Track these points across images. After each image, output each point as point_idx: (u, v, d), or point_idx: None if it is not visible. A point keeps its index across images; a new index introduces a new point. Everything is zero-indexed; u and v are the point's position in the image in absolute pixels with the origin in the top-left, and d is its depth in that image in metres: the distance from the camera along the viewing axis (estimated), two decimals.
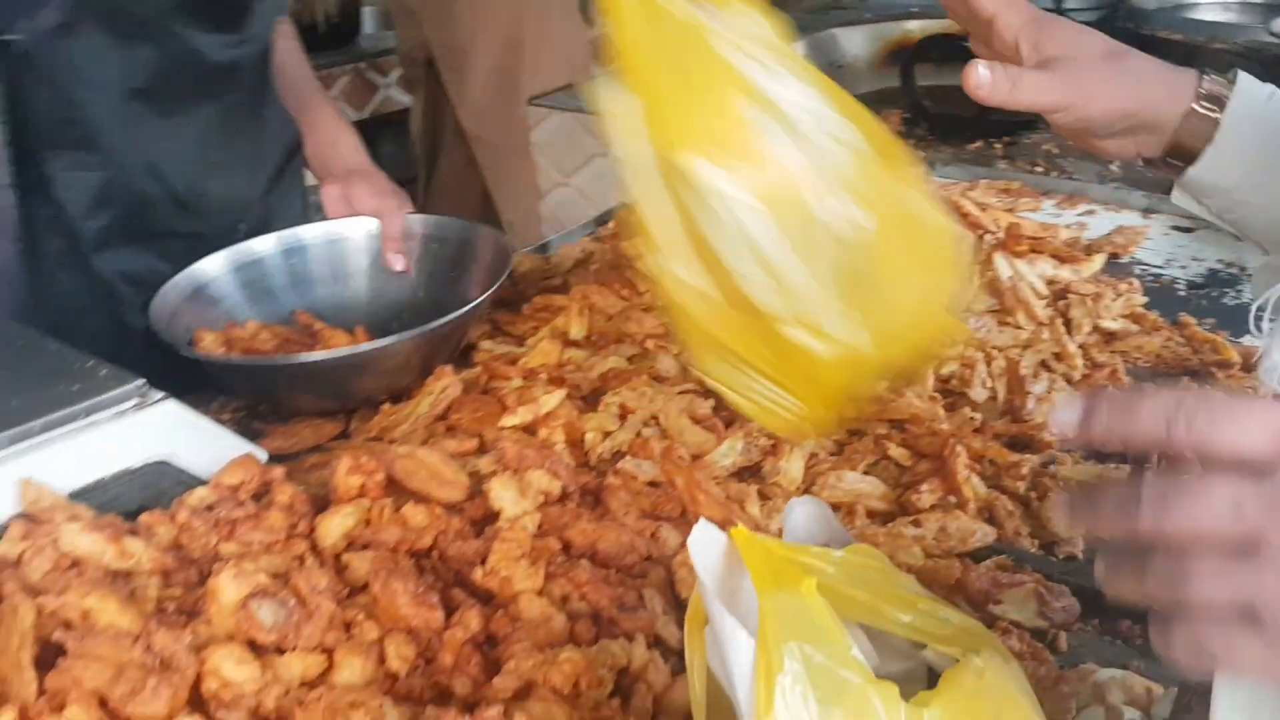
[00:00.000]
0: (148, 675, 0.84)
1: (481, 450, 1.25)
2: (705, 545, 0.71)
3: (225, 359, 1.36)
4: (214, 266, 1.50)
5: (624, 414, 1.32)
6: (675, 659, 0.94)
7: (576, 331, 1.51)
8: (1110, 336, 1.51)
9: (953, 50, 2.39)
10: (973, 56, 2.21)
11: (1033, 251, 1.61)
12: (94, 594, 0.89)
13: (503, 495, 1.06)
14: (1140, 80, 1.03)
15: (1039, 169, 2.12)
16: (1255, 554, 0.55)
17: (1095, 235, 1.84)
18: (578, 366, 1.44)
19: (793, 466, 1.20)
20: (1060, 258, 1.63)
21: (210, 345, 1.39)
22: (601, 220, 2.00)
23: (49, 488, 0.96)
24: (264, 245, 1.57)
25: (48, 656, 0.87)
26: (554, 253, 1.83)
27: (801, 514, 0.84)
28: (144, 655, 0.86)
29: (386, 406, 1.36)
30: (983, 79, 1.00)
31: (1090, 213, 1.95)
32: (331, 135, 1.81)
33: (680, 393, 1.35)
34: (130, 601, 0.91)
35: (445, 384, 1.39)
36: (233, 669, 0.87)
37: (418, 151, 3.14)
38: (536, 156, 2.67)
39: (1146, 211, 1.95)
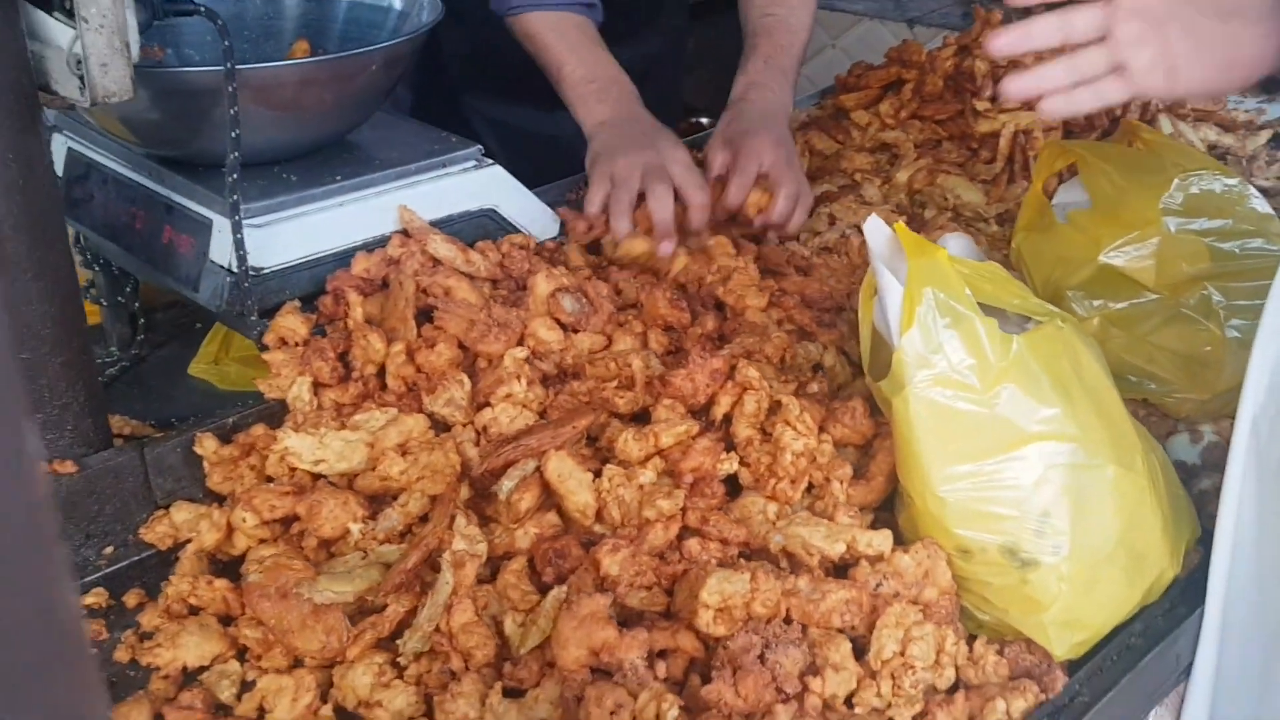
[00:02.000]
0: (490, 328, 1.24)
1: None
2: (876, 231, 1.05)
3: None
4: None
5: (832, 220, 1.66)
6: (854, 368, 1.28)
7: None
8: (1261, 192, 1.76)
9: None
10: None
11: (1197, 119, 1.86)
12: (453, 277, 1.29)
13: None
14: None
15: None
16: None
17: (1269, 119, 2.06)
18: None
19: None
20: (1225, 126, 1.88)
21: None
22: (823, 94, 2.32)
23: (417, 214, 1.37)
24: None
25: (419, 321, 1.28)
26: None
27: (954, 243, 1.17)
28: (487, 318, 1.25)
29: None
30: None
31: (1270, 99, 2.16)
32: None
33: (882, 210, 1.68)
34: (475, 288, 1.30)
35: None
36: (545, 333, 1.26)
37: None
38: None
39: None
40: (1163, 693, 1.09)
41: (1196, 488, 1.19)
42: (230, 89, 1.21)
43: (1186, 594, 1.09)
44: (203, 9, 1.20)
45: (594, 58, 1.66)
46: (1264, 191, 1.76)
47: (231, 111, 1.21)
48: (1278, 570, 1.07)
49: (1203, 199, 1.30)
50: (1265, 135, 1.91)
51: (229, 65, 1.20)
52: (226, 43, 1.20)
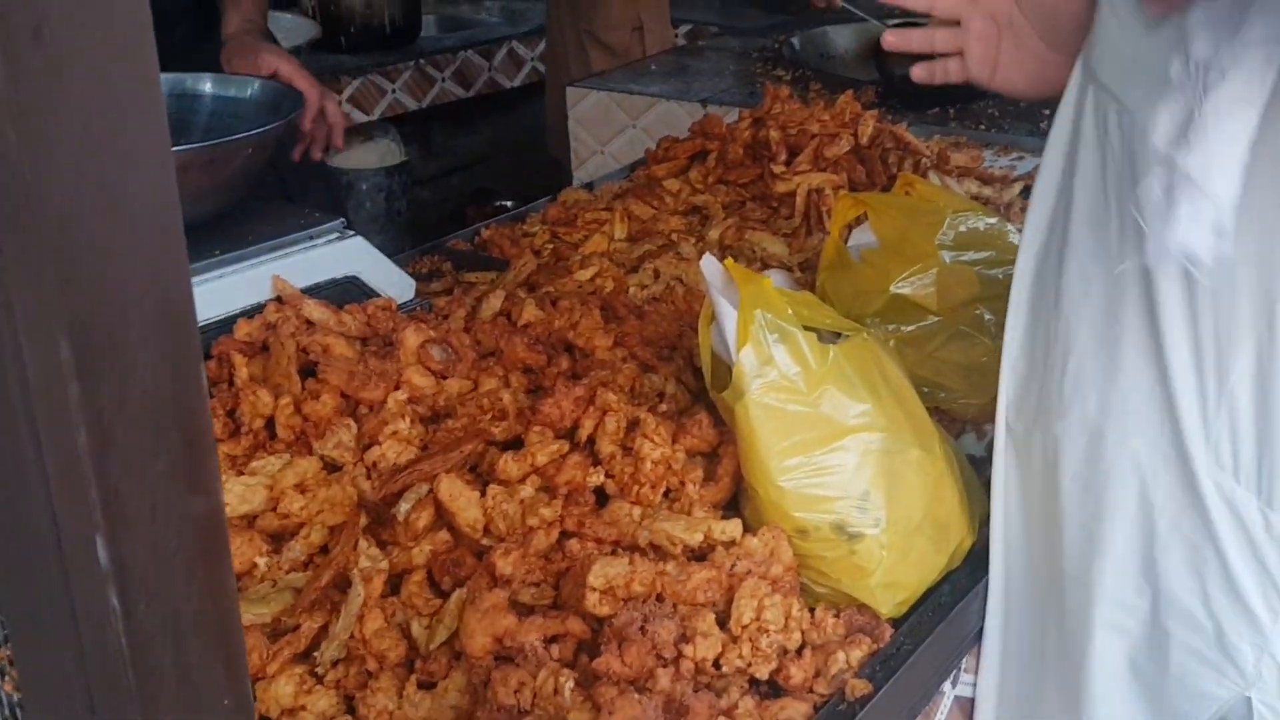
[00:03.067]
0: (369, 377, 1.38)
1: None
2: (711, 267, 1.24)
3: None
4: None
5: (657, 274, 1.85)
6: (691, 395, 1.47)
7: (619, 232, 2.05)
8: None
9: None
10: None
11: (961, 175, 2.14)
12: (330, 336, 1.43)
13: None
14: None
15: (981, 127, 2.65)
16: None
17: (1021, 173, 2.37)
18: (621, 252, 1.98)
19: None
20: (985, 180, 2.16)
21: None
22: (633, 167, 2.53)
23: (289, 283, 1.50)
24: None
25: (301, 376, 1.41)
26: (598, 189, 2.37)
27: (776, 277, 1.37)
28: (365, 369, 1.39)
29: (492, 278, 1.91)
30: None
31: (1020, 158, 2.48)
32: None
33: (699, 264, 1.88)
34: (350, 345, 1.44)
35: (525, 260, 1.93)
36: (419, 379, 1.40)
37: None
38: (575, 130, 3.21)
39: None
40: (970, 642, 1.30)
41: (985, 475, 1.41)
42: None
43: (982, 560, 1.30)
44: None
45: None
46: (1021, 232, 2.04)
47: None
48: (1038, 541, 1.27)
49: (970, 235, 1.54)
50: (1018, 187, 2.20)
51: None
52: None
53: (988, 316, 1.51)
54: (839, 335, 1.28)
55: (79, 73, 0.45)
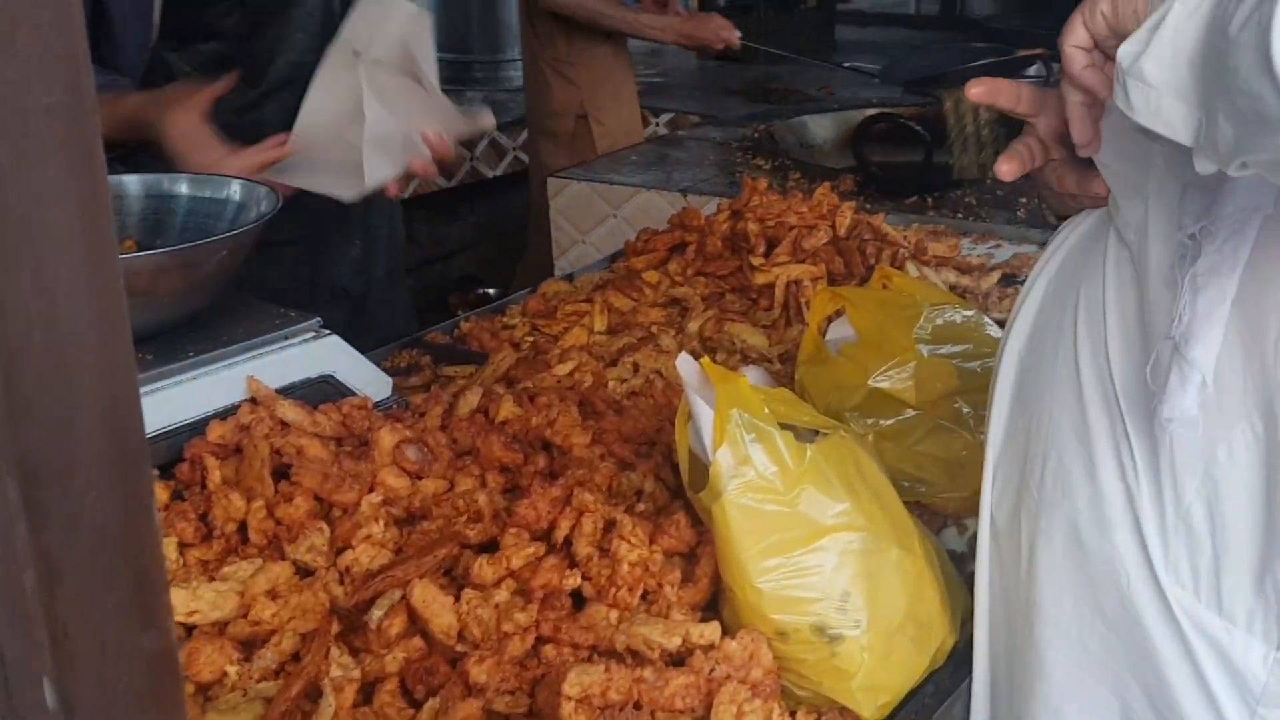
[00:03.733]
0: (343, 479, 1.36)
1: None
2: (687, 366, 1.24)
3: None
4: None
5: (636, 368, 1.85)
6: (670, 492, 1.46)
7: (599, 324, 2.05)
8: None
9: (893, 128, 2.97)
10: (907, 131, 2.78)
11: (939, 264, 2.15)
12: (304, 437, 1.42)
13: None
14: None
15: (959, 215, 2.68)
16: None
17: (998, 261, 2.39)
18: (601, 345, 1.97)
19: None
20: (962, 269, 2.17)
21: None
22: (613, 258, 2.54)
23: (264, 384, 1.49)
24: None
25: (275, 479, 1.39)
26: (578, 280, 2.37)
27: (752, 374, 1.36)
28: (339, 470, 1.38)
29: (471, 371, 1.90)
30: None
31: (997, 246, 2.50)
32: None
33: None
34: (324, 446, 1.43)
35: (504, 355, 1.92)
36: (394, 480, 1.39)
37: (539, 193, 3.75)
38: (557, 219, 3.23)
39: (1043, 244, 2.49)
40: None
41: (966, 570, 1.40)
42: None
43: (965, 659, 1.28)
44: None
45: None
46: (998, 323, 2.05)
47: None
48: (1021, 639, 1.26)
49: (947, 328, 1.55)
50: (996, 275, 2.21)
51: None
52: None
53: (966, 410, 1.50)
54: (817, 433, 1.27)
55: (25, 209, 0.44)
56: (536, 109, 3.82)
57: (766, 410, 1.19)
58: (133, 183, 1.72)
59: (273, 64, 2.15)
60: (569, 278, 2.44)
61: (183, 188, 1.70)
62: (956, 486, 1.48)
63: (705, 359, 1.23)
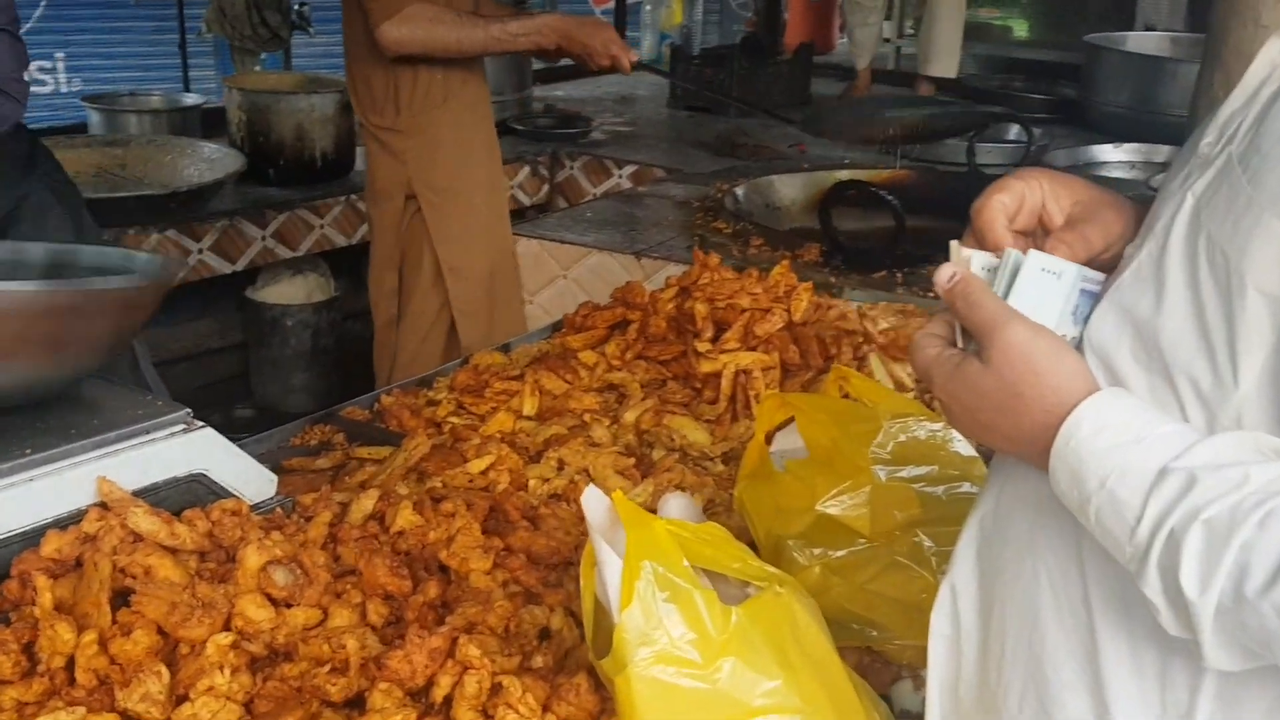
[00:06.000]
0: (193, 610, 1.16)
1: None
2: (594, 502, 1.04)
3: None
4: None
5: (561, 465, 1.65)
6: (582, 632, 1.26)
7: (528, 408, 1.85)
8: None
9: (862, 194, 2.80)
10: (877, 199, 2.59)
11: (905, 356, 1.96)
12: (154, 555, 1.21)
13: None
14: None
15: (931, 295, 2.49)
16: None
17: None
18: (527, 434, 1.77)
19: None
20: None
21: None
22: (556, 327, 2.34)
23: (118, 485, 1.28)
24: None
25: (116, 603, 1.19)
26: (514, 351, 2.17)
27: (674, 505, 1.17)
28: (190, 599, 1.17)
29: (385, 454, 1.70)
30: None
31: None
32: None
33: (609, 452, 1.68)
34: (179, 564, 1.22)
35: (418, 442, 1.72)
36: (254, 611, 1.18)
37: (382, 279, 3.15)
38: None
39: None
40: None
41: None
42: None
43: None
44: None
45: None
46: None
47: None
48: None
49: (909, 446, 1.35)
50: None
51: None
52: None
53: (928, 544, 1.31)
54: (749, 585, 1.07)
55: None
56: (366, 187, 3.16)
57: (685, 562, 1.00)
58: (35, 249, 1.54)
59: None
60: (505, 348, 2.24)
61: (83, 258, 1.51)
62: (914, 633, 1.28)
63: (617, 493, 1.04)
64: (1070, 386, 0.87)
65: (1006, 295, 0.93)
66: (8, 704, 1.12)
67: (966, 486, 1.37)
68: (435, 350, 3.08)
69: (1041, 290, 0.93)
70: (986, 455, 1.24)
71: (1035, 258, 0.94)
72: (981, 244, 1.00)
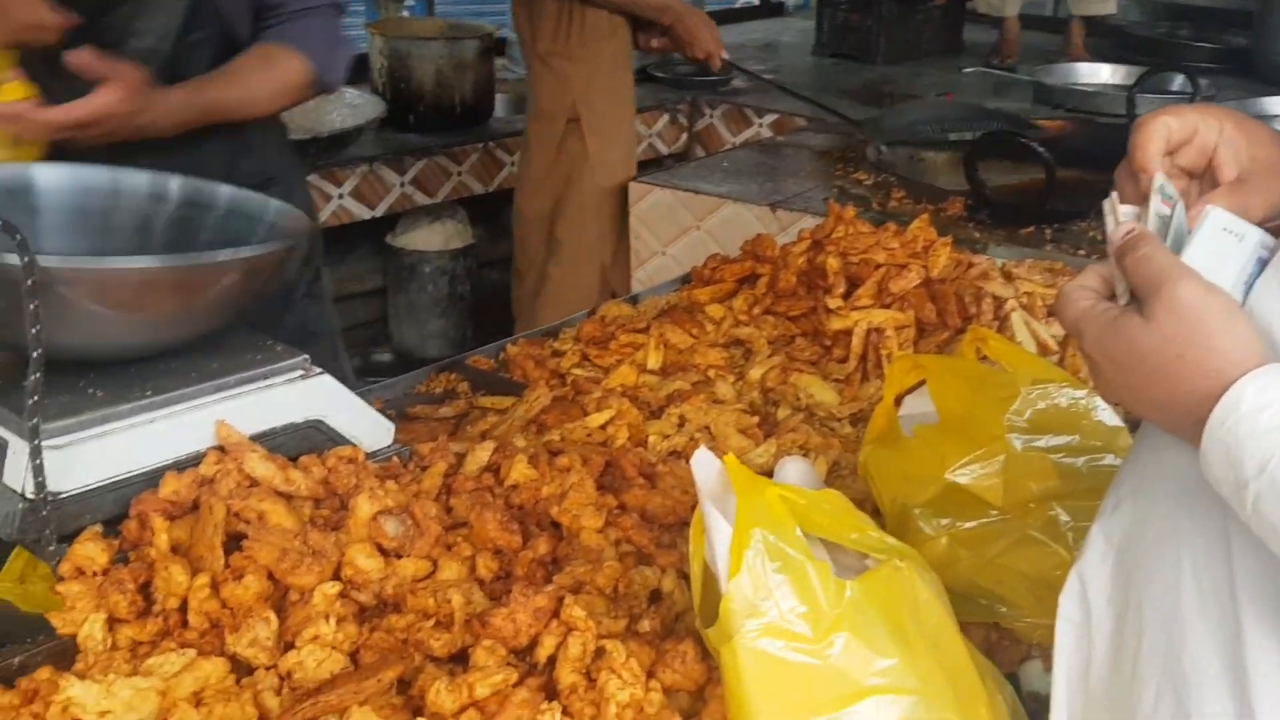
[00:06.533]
0: (303, 558, 1.15)
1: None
2: (705, 465, 1.00)
3: None
4: None
5: (682, 422, 1.61)
6: None
7: (652, 362, 1.81)
8: None
9: (1012, 146, 2.68)
10: (1027, 150, 2.47)
11: (1051, 315, 1.86)
12: (268, 500, 1.20)
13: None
14: None
15: (1081, 252, 2.38)
16: None
17: None
18: (650, 388, 1.74)
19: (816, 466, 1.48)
20: None
21: None
22: (685, 279, 2.29)
23: (236, 429, 1.28)
24: None
25: (230, 546, 1.19)
26: (642, 303, 2.14)
27: (791, 469, 1.12)
28: (301, 545, 1.17)
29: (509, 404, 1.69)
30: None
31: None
32: None
33: (732, 409, 1.63)
34: (292, 510, 1.22)
35: (539, 394, 1.70)
36: (364, 561, 1.17)
37: (530, 202, 3.44)
38: (637, 228, 3.00)
39: None
40: None
41: None
42: (31, 307, 1.13)
43: None
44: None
45: None
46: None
47: (33, 331, 1.13)
48: None
49: (1048, 414, 1.28)
50: None
51: (29, 282, 1.12)
52: (26, 259, 1.12)
53: (1064, 519, 1.23)
54: (867, 557, 1.02)
55: None
56: (528, 109, 3.43)
57: (798, 531, 0.95)
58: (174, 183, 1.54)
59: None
60: (633, 300, 2.21)
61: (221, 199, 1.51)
62: (1045, 611, 1.20)
63: (729, 456, 0.99)
64: (1239, 355, 0.79)
65: (1178, 252, 0.85)
66: (123, 642, 1.13)
67: (1109, 459, 1.29)
68: (591, 281, 3.35)
69: (1220, 251, 0.85)
70: (1133, 425, 1.16)
71: (1217, 215, 0.86)
72: (1130, 162, 0.92)
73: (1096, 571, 0.98)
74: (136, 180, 1.52)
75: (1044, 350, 1.78)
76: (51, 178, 1.49)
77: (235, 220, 1.50)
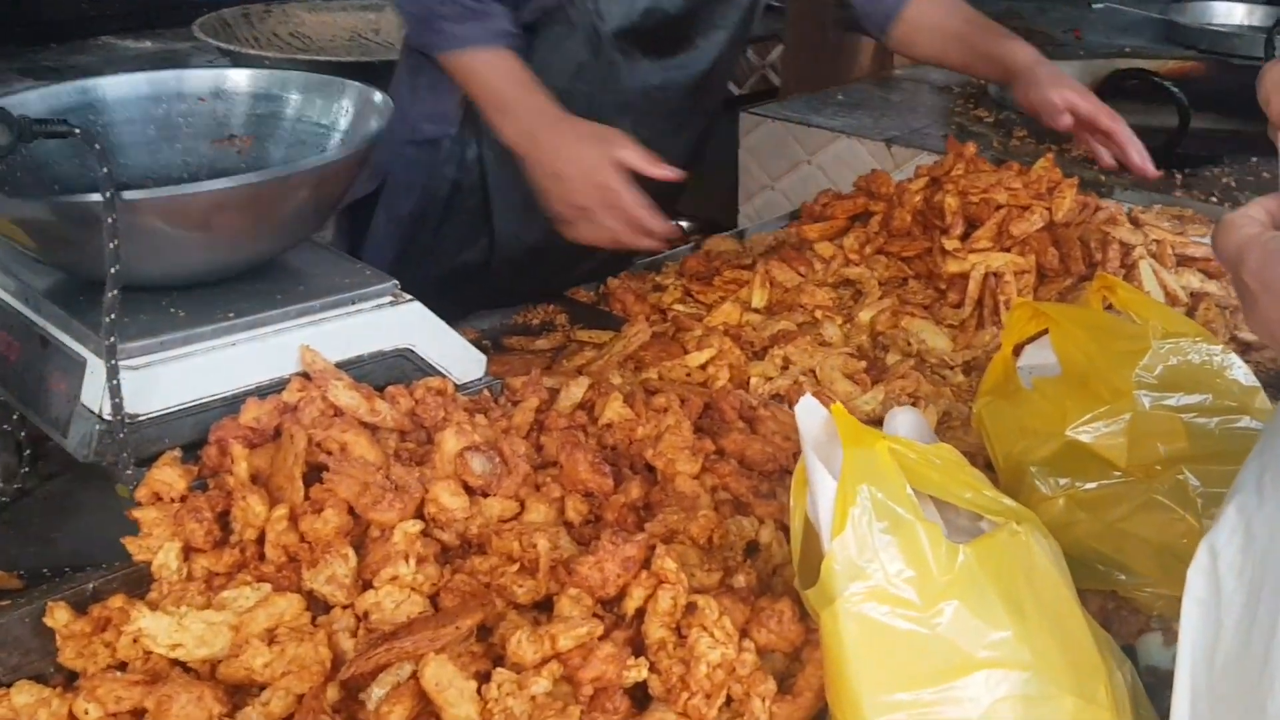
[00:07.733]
0: (385, 493, 1.11)
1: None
2: (809, 414, 0.93)
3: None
4: None
5: (786, 365, 1.54)
6: None
7: (757, 300, 1.74)
8: (1246, 347, 1.63)
9: (1144, 85, 2.53)
10: (1160, 90, 2.34)
11: (1181, 264, 1.75)
12: (351, 431, 1.16)
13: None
14: None
15: (1214, 199, 2.24)
16: None
17: None
18: (754, 327, 1.66)
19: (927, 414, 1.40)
20: (1209, 273, 1.77)
21: None
22: (793, 215, 2.21)
23: (321, 355, 1.24)
24: None
25: (311, 477, 1.15)
26: (748, 238, 2.06)
27: (902, 420, 1.04)
28: (384, 480, 1.12)
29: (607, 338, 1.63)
30: None
31: None
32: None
33: (839, 353, 1.56)
34: (376, 443, 1.18)
35: (638, 329, 1.64)
36: (448, 499, 1.12)
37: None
38: (745, 160, 2.90)
39: None
40: None
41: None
42: (109, 220, 1.09)
43: None
44: (78, 131, 1.09)
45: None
46: (1247, 345, 1.65)
47: (111, 245, 1.09)
48: None
49: (1180, 371, 1.18)
50: None
51: (108, 195, 1.08)
52: (105, 169, 1.08)
53: (1194, 483, 1.14)
54: (981, 518, 0.95)
55: None
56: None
57: (909, 490, 0.87)
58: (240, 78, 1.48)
59: None
60: (740, 235, 2.13)
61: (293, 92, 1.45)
62: (1168, 581, 1.13)
63: (837, 405, 0.92)
64: None
65: None
66: (199, 573, 1.10)
67: (1245, 421, 1.19)
68: None
69: None
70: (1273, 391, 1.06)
71: None
72: (1264, 107, 0.85)
73: (1229, 541, 0.90)
74: (202, 79, 1.46)
75: (1173, 302, 1.67)
76: (118, 87, 1.43)
77: (310, 107, 1.44)
